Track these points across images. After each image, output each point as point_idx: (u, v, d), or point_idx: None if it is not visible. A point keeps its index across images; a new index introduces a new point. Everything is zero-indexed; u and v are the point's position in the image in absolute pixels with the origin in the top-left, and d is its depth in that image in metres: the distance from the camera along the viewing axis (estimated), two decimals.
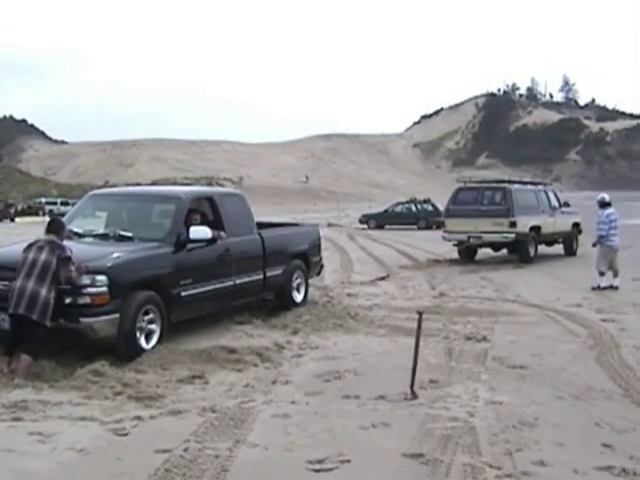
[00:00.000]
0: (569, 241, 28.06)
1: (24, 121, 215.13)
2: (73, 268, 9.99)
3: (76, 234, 12.26)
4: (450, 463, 6.51)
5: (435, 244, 30.28)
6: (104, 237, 12.19)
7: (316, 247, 16.56)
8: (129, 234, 11.95)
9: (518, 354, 10.98)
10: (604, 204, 19.06)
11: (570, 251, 28.00)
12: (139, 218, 13.02)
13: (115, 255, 10.82)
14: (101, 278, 10.21)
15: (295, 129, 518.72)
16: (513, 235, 24.58)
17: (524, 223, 24.82)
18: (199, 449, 6.84)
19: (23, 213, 74.70)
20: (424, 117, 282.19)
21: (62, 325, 10.08)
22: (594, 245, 18.93)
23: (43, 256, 9.97)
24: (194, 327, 12.60)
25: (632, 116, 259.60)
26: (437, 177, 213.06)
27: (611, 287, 18.35)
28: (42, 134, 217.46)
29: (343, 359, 10.70)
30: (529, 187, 28.01)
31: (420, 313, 9.02)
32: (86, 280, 10.14)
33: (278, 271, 14.60)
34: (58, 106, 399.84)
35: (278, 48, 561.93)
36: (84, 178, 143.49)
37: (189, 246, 12.06)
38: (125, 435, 7.36)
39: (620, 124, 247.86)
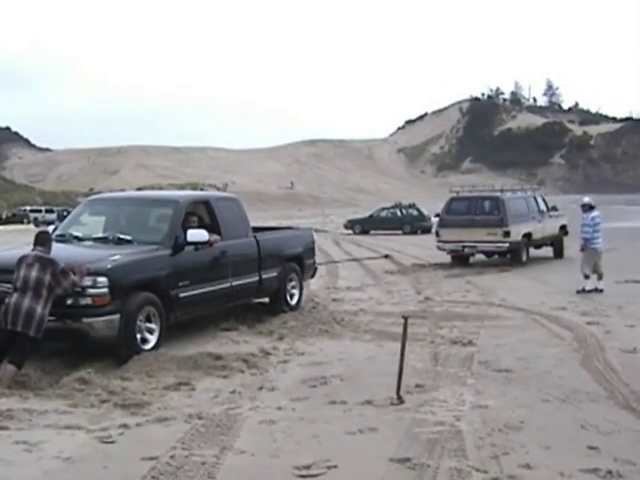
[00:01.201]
0: (558, 244, 28.61)
1: (8, 129, 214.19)
2: (72, 275, 10.14)
3: (75, 237, 12.70)
4: (437, 467, 6.51)
5: (421, 249, 30.36)
6: (103, 240, 12.49)
7: (310, 250, 16.85)
8: (128, 237, 12.26)
9: (504, 358, 11.00)
10: (588, 207, 19.15)
11: (559, 254, 28.41)
12: (137, 222, 13.28)
13: (115, 257, 11.09)
14: (102, 280, 10.47)
15: (280, 135, 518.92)
16: (507, 244, 25.10)
17: (517, 231, 25.29)
18: (186, 456, 6.83)
19: (8, 221, 74.57)
20: (408, 122, 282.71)
21: (65, 325, 10.35)
22: (582, 250, 18.91)
23: (34, 273, 9.94)
24: (180, 334, 12.61)
25: (615, 119, 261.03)
26: (422, 182, 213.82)
27: (596, 290, 18.42)
28: (26, 142, 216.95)
29: (329, 364, 10.70)
30: (519, 194, 28.50)
31: (405, 318, 9.03)
32: (87, 282, 10.37)
33: (273, 273, 14.85)
34: (42, 113, 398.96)
35: (263, 54, 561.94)
36: (68, 185, 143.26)
37: (186, 248, 12.31)
38: (111, 443, 7.34)
39: (604, 127, 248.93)
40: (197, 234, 12.40)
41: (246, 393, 9.15)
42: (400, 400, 8.61)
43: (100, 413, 8.35)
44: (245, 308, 14.66)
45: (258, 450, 7.03)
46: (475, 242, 25.38)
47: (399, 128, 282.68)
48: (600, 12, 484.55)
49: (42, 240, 10.55)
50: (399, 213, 53.36)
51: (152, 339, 11.27)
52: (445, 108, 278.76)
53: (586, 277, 18.60)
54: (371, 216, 54.87)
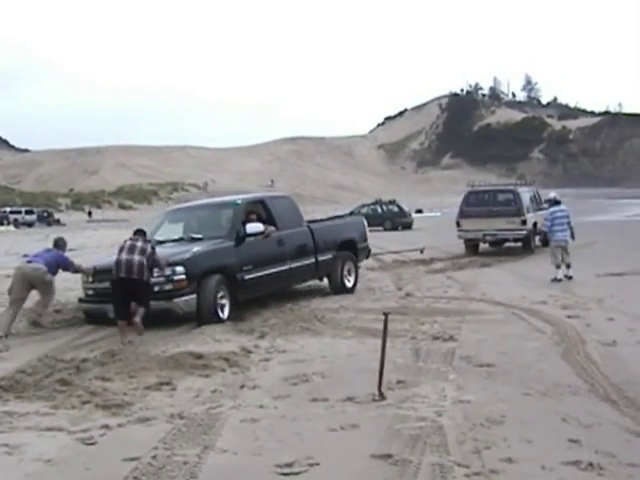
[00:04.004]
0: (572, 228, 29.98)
1: None
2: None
3: (158, 241, 15.27)
4: (419, 463, 6.51)
5: (401, 245, 30.34)
6: (180, 241, 15.55)
7: (363, 235, 19.46)
8: (199, 236, 15.26)
9: (485, 352, 11.01)
10: (553, 202, 20.53)
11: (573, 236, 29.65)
12: (206, 223, 16.29)
13: (188, 251, 14.19)
14: (179, 269, 13.64)
15: (260, 133, 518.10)
16: (525, 232, 27.72)
17: (530, 221, 27.84)
18: (167, 456, 6.80)
19: None
20: (388, 118, 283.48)
21: (157, 305, 13.31)
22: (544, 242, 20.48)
23: (140, 244, 13.13)
24: (161, 333, 12.62)
25: (594, 114, 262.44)
26: (402, 178, 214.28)
27: (567, 278, 19.52)
28: (4, 142, 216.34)
29: (310, 362, 10.68)
30: (525, 188, 30.74)
31: (386, 314, 9.03)
32: (169, 271, 13.53)
33: (329, 256, 17.66)
34: (20, 114, 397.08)
35: (244, 52, 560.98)
36: (48, 186, 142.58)
37: (247, 239, 15.20)
38: (93, 444, 7.31)
39: (582, 122, 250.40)
40: (254, 227, 15.32)
41: (228, 392, 9.13)
42: (382, 396, 8.60)
43: (81, 414, 8.32)
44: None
45: (240, 449, 7.01)
46: (495, 230, 28.07)
47: (379, 124, 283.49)
48: (577, 7, 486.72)
49: (139, 233, 13.63)
50: (380, 209, 53.40)
51: (225, 312, 14.13)
52: (424, 104, 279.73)
53: (557, 267, 19.68)
54: (352, 213, 54.81)
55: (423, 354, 11.03)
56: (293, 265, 16.48)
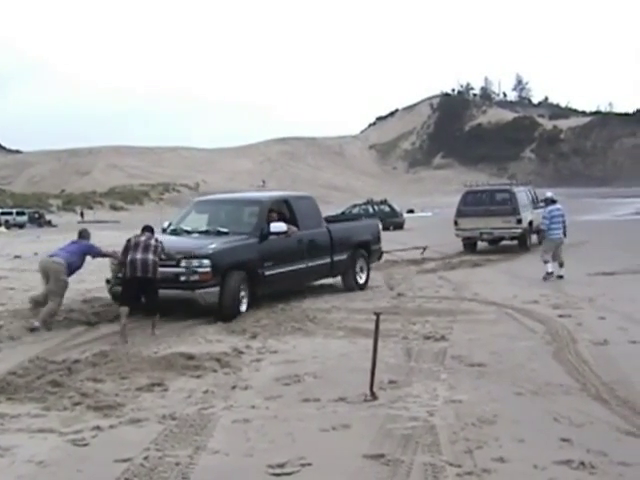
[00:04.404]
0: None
1: None
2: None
3: (185, 231, 16.51)
4: (411, 463, 6.51)
5: (393, 244, 30.33)
6: (206, 233, 16.21)
7: (376, 237, 20.24)
8: (225, 230, 15.95)
9: (477, 352, 11.03)
10: (550, 201, 20.96)
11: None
12: (232, 217, 17.00)
13: (215, 245, 14.88)
14: (205, 262, 14.24)
15: (251, 133, 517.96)
16: (520, 230, 28.90)
17: (526, 219, 28.96)
18: (159, 457, 6.79)
19: None
20: (379, 118, 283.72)
21: (182, 294, 14.13)
22: (540, 240, 21.52)
23: (152, 241, 13.45)
24: (153, 335, 12.61)
25: (585, 113, 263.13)
26: (393, 178, 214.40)
27: (559, 277, 19.83)
28: None
29: (302, 362, 10.68)
30: (521, 188, 31.90)
31: (377, 314, 9.02)
32: (195, 263, 14.17)
33: (343, 256, 18.33)
34: (12, 115, 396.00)
35: (235, 53, 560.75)
36: (40, 187, 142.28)
37: (270, 237, 15.95)
38: (85, 446, 7.28)
39: (573, 121, 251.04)
40: (278, 226, 16.02)
41: (219, 392, 9.11)
42: (373, 396, 8.61)
43: (73, 416, 8.28)
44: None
45: (232, 449, 7.00)
46: (492, 229, 29.32)
47: (370, 125, 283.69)
48: (568, 7, 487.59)
49: (147, 229, 13.83)
50: (371, 209, 53.34)
51: (244, 305, 14.90)
52: (416, 104, 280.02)
53: (545, 262, 20.17)
54: (343, 213, 54.78)
55: (415, 354, 11.04)
56: (310, 264, 17.26)
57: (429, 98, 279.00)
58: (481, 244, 31.11)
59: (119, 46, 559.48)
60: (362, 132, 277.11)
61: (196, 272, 14.13)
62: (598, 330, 12.58)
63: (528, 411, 8.11)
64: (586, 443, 6.94)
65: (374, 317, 9.04)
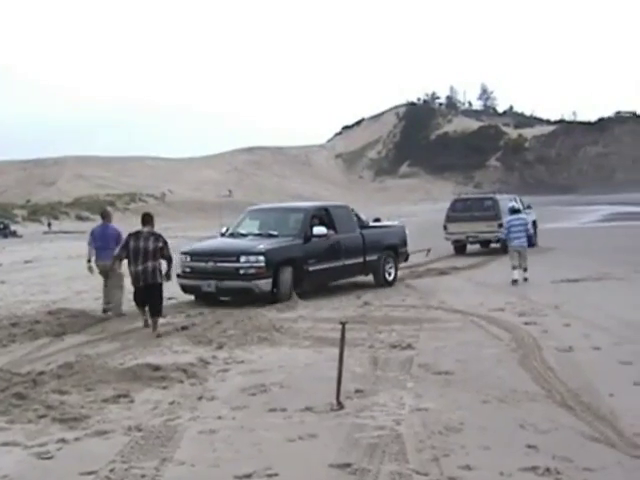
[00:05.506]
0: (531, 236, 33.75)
1: None
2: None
3: (241, 234, 19.74)
4: (377, 472, 6.51)
5: None
6: (259, 235, 19.31)
7: (403, 241, 22.87)
8: (275, 233, 19.00)
9: (443, 360, 11.06)
10: (511, 211, 22.63)
11: (530, 243, 31.89)
12: (281, 223, 19.97)
13: (267, 245, 17.99)
14: (260, 258, 17.45)
15: (217, 143, 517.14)
16: (501, 234, 29.21)
17: None
18: (125, 469, 6.74)
19: None
20: (345, 128, 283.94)
21: (241, 285, 17.47)
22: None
23: (151, 244, 14.28)
24: (118, 345, 12.52)
25: (549, 122, 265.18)
26: (360, 187, 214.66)
27: (524, 280, 21.01)
28: None
29: (269, 372, 10.65)
30: (505, 196, 35.61)
31: (343, 323, 9.02)
32: (252, 259, 17.40)
33: (374, 257, 21.06)
34: None
35: (200, 62, 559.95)
36: (5, 197, 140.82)
37: (313, 239, 19.06)
38: (49, 459, 7.21)
39: (538, 130, 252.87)
40: (319, 230, 19.20)
41: (186, 403, 9.07)
42: (340, 405, 8.60)
43: (38, 428, 8.20)
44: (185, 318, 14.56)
45: (198, 460, 6.97)
46: (477, 232, 32.57)
47: (336, 134, 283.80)
48: (532, 17, 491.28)
49: (148, 220, 14.74)
50: None
51: (293, 294, 18.03)
52: (382, 113, 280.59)
53: (513, 267, 21.16)
54: None
55: (381, 363, 11.05)
56: (346, 262, 20.12)
57: (395, 107, 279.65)
58: (470, 247, 34.18)
59: (85, 55, 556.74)
60: (328, 141, 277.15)
61: (253, 266, 17.36)
62: (563, 337, 12.67)
63: (494, 418, 8.14)
64: (551, 449, 6.98)
65: (340, 326, 9.04)
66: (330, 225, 19.97)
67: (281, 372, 10.63)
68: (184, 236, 50.08)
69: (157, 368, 10.73)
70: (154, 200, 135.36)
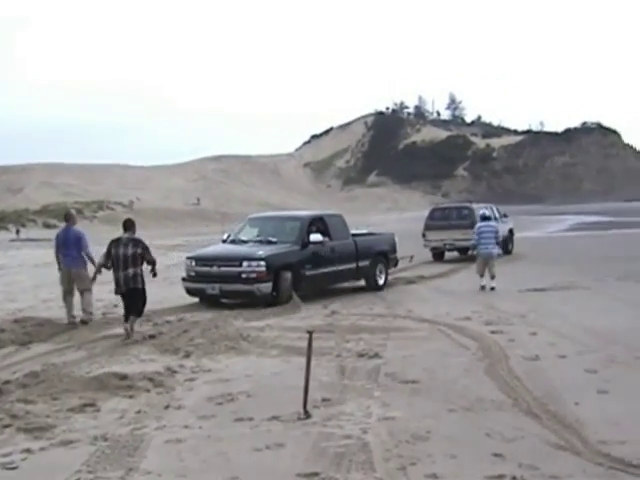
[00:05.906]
0: (507, 243, 35.11)
1: None
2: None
3: (242, 241, 20.80)
4: None
5: None
6: (259, 241, 20.37)
7: (393, 247, 23.91)
8: (274, 239, 20.15)
9: (410, 369, 11.08)
10: (481, 218, 22.86)
11: (506, 250, 34.13)
12: (279, 230, 21.03)
13: (268, 251, 19.13)
14: (262, 263, 18.55)
15: (185, 151, 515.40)
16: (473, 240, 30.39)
17: None
18: (91, 479, 6.70)
19: None
20: (314, 137, 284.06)
21: (243, 288, 18.58)
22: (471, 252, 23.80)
23: (130, 250, 14.54)
24: (84, 354, 12.45)
25: (516, 132, 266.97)
26: (328, 196, 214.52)
27: (491, 288, 21.32)
28: None
29: (236, 381, 10.63)
30: (481, 205, 36.04)
31: (310, 332, 9.02)
32: (254, 264, 18.49)
33: (366, 262, 22.11)
34: None
35: (168, 67, 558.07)
36: None
37: (309, 246, 20.16)
38: (14, 469, 7.15)
39: (505, 140, 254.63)
40: (315, 237, 20.35)
41: (152, 412, 9.03)
42: (307, 415, 8.60)
43: (2, 439, 8.12)
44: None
45: (165, 470, 6.94)
46: (454, 240, 33.45)
47: (305, 143, 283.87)
48: (499, 28, 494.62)
49: (129, 225, 15.02)
50: None
51: (295, 296, 19.14)
52: (350, 122, 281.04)
53: (481, 275, 21.85)
54: None
55: (348, 372, 11.06)
56: (340, 267, 21.23)
57: (363, 117, 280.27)
58: (448, 254, 35.13)
59: (53, 61, 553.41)
60: (297, 150, 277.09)
61: (254, 271, 18.47)
62: (529, 345, 12.75)
63: (461, 427, 8.17)
64: (518, 457, 7.02)
65: (307, 335, 9.04)
66: (325, 232, 21.10)
67: (248, 381, 10.62)
68: (150, 244, 49.79)
69: (124, 377, 10.68)
70: (122, 208, 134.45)
